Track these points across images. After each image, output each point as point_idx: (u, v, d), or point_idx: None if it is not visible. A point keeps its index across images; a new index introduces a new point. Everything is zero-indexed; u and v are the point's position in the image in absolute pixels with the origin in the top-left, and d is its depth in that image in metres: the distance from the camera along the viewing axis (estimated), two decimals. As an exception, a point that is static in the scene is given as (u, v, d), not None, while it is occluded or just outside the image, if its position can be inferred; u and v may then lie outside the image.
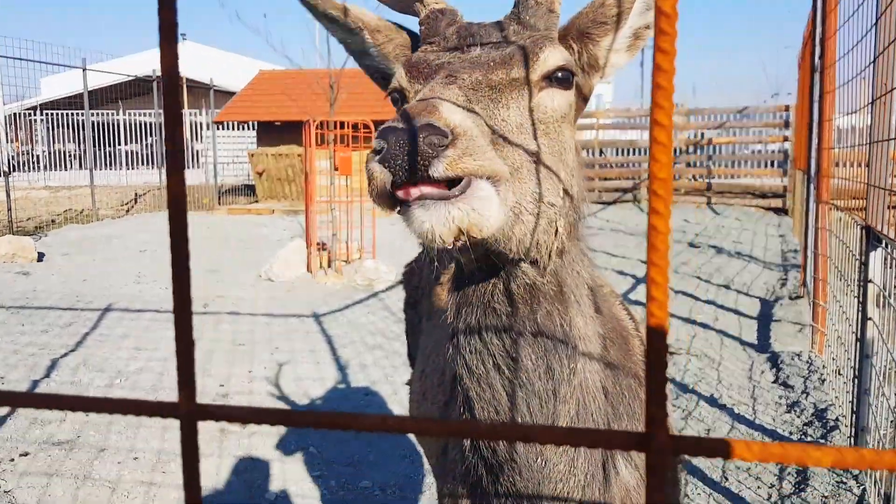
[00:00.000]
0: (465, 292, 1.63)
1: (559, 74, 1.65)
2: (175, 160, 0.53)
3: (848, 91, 6.10)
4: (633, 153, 21.68)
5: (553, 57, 1.65)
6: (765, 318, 8.63)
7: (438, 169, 1.27)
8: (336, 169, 11.89)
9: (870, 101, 4.66)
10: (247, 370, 7.05)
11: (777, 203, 19.00)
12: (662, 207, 0.46)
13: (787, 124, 19.23)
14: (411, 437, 5.28)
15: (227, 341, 8.04)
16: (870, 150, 4.54)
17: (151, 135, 27.65)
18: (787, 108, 19.40)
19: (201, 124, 27.66)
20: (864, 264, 4.47)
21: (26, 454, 5.21)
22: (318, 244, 11.73)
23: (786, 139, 19.30)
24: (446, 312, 1.70)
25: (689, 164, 20.57)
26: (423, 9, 1.82)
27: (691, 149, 20.53)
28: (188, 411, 0.58)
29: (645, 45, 1.88)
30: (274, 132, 23.76)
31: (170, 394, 6.39)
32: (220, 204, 23.67)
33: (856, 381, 4.54)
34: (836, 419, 5.25)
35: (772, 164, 20.17)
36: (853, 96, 5.76)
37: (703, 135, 20.65)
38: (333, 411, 0.52)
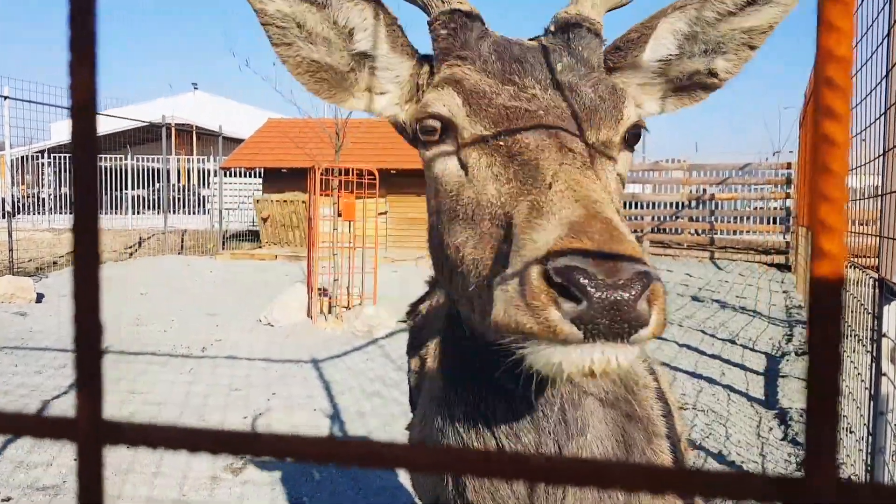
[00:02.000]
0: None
1: (634, 133, 1.46)
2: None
3: (857, 147, 6.06)
4: (635, 206, 21.67)
5: (632, 112, 1.45)
6: (771, 374, 8.46)
7: (642, 336, 1.01)
8: (339, 215, 11.86)
9: (881, 152, 4.60)
10: (242, 416, 6.89)
11: (780, 259, 18.95)
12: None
13: (788, 181, 19.29)
14: (410, 488, 5.11)
15: (223, 386, 7.88)
16: (881, 201, 4.46)
17: (159, 180, 27.82)
18: (788, 166, 19.50)
19: (209, 171, 27.83)
20: (878, 318, 4.35)
21: (8, 499, 5.04)
22: (319, 289, 11.64)
23: (788, 196, 19.33)
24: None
25: (691, 219, 20.56)
26: (438, 3, 1.53)
27: (694, 203, 20.54)
28: (89, 431, 0.43)
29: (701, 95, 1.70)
30: (280, 179, 23.86)
31: (162, 438, 6.22)
32: (224, 249, 23.64)
33: (870, 438, 4.38)
34: (849, 478, 5.07)
35: (774, 221, 20.16)
36: (859, 152, 5.71)
37: (705, 190, 20.71)
38: (276, 434, 0.41)
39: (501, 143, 1.30)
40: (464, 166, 1.37)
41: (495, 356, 1.38)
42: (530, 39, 1.58)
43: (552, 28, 1.58)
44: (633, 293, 0.97)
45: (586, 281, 0.96)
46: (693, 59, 1.66)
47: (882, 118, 4.58)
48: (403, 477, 5.31)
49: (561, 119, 1.32)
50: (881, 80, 4.53)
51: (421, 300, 3.30)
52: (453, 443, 1.54)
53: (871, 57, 4.83)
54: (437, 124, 1.41)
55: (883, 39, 4.53)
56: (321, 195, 11.81)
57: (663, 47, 1.65)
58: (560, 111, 1.34)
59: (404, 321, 3.49)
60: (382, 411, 7.04)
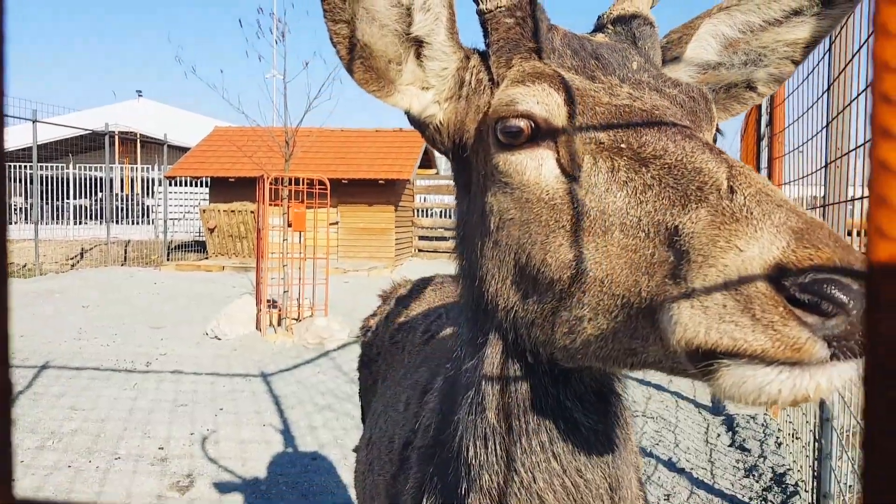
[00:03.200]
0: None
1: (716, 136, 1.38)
2: None
3: (795, 158, 6.21)
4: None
5: (716, 115, 1.36)
6: (719, 381, 8.58)
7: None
8: (289, 225, 11.71)
9: (823, 165, 4.71)
10: (188, 432, 6.71)
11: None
12: None
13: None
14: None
15: (168, 401, 7.68)
16: (823, 213, 4.57)
17: (101, 190, 27.14)
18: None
19: (153, 180, 27.28)
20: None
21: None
22: (268, 301, 11.45)
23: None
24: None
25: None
26: None
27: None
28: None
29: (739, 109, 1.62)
30: (227, 188, 23.48)
31: (105, 456, 6.03)
32: (168, 260, 23.13)
33: (816, 445, 4.47)
34: (796, 484, 5.16)
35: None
36: (801, 163, 5.85)
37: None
38: None
39: (624, 145, 1.17)
40: (567, 172, 1.22)
41: (563, 383, 1.33)
42: (590, 34, 1.48)
43: (609, 23, 1.48)
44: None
45: (842, 293, 0.86)
46: (732, 70, 1.60)
47: (823, 132, 4.69)
48: (353, 491, 5.23)
49: (679, 119, 1.21)
50: (822, 95, 4.64)
51: (374, 314, 3.24)
52: (486, 476, 1.39)
53: (809, 75, 4.95)
54: (526, 124, 1.25)
55: (823, 55, 4.64)
56: (270, 205, 11.64)
57: (704, 51, 1.58)
58: (672, 111, 1.23)
59: (357, 337, 3.42)
60: (334, 425, 6.93)
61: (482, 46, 1.44)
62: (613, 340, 1.15)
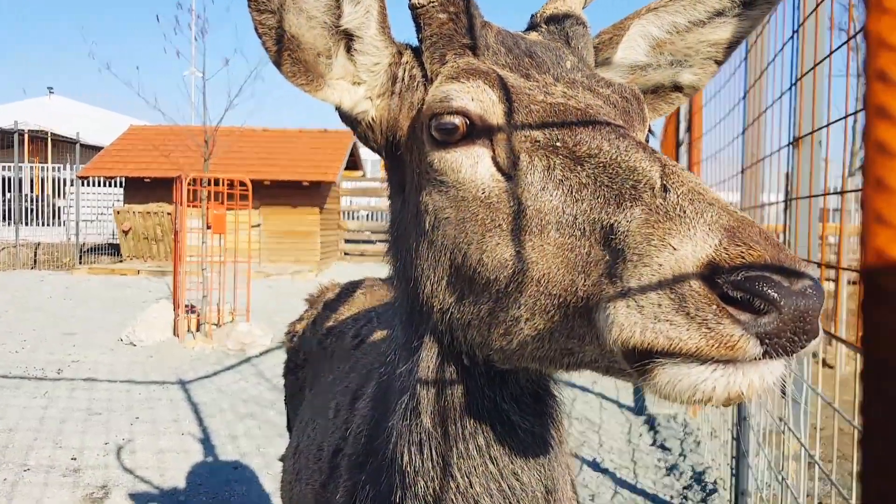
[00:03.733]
0: None
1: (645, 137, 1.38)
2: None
3: (711, 164, 6.42)
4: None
5: (647, 115, 1.39)
6: (640, 382, 8.77)
7: (808, 349, 0.93)
8: (209, 227, 11.40)
9: (739, 171, 4.86)
10: (102, 442, 6.44)
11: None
12: None
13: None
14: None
15: (81, 410, 7.37)
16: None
17: (10, 190, 25.89)
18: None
19: (65, 180, 26.17)
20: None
21: None
22: (186, 306, 11.12)
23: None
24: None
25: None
26: None
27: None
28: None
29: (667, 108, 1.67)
30: (143, 189, 22.74)
31: (14, 468, 5.72)
32: (81, 263, 22.23)
33: (735, 443, 4.59)
34: (715, 482, 5.30)
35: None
36: (718, 169, 6.03)
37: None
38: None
39: (559, 143, 1.16)
40: (502, 170, 1.21)
41: (499, 385, 1.31)
42: (523, 32, 1.48)
43: (542, 22, 1.48)
44: (820, 302, 0.90)
45: (774, 291, 0.88)
46: (659, 71, 1.64)
47: (739, 139, 4.84)
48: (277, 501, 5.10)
49: (612, 119, 1.20)
50: (739, 102, 4.79)
51: (300, 319, 3.16)
52: (422, 481, 1.36)
53: (726, 84, 5.11)
54: (461, 121, 1.23)
55: (740, 63, 4.79)
56: (189, 206, 11.31)
57: (634, 51, 1.61)
58: (606, 111, 1.23)
59: (283, 343, 3.32)
60: (256, 433, 6.77)
61: (415, 42, 1.41)
62: (550, 340, 1.14)
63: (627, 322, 0.97)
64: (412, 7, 1.35)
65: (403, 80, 1.39)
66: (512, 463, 1.31)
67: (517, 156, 1.19)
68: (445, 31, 1.33)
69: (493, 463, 1.31)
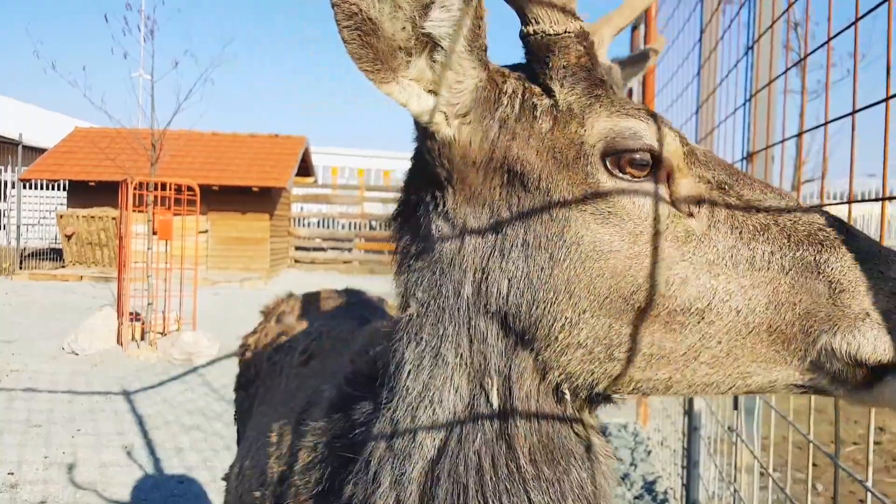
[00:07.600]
0: None
1: None
2: None
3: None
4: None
5: None
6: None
7: None
8: (155, 233, 11.16)
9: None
10: (42, 455, 6.22)
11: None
12: None
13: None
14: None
15: (20, 422, 7.13)
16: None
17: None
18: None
19: (6, 182, 25.36)
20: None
21: None
22: (131, 314, 10.85)
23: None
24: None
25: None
26: (563, 19, 1.30)
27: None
28: None
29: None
30: (87, 193, 22.19)
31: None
32: (21, 268, 21.57)
33: (685, 453, 4.63)
34: (665, 492, 5.34)
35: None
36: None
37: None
38: None
39: (734, 194, 1.29)
40: (679, 209, 1.27)
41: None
42: None
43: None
44: None
45: None
46: None
47: (694, 117, 4.88)
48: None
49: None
50: (692, 80, 4.85)
51: (254, 331, 3.07)
52: None
53: (678, 98, 5.17)
54: (648, 158, 1.26)
55: (693, 79, 4.85)
56: (134, 211, 11.05)
57: None
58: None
59: (235, 354, 3.21)
60: (203, 446, 6.61)
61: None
62: (724, 367, 1.24)
63: (880, 343, 1.15)
64: (542, 33, 1.31)
65: (513, 107, 1.32)
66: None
67: (700, 197, 1.28)
68: (583, 64, 1.31)
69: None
